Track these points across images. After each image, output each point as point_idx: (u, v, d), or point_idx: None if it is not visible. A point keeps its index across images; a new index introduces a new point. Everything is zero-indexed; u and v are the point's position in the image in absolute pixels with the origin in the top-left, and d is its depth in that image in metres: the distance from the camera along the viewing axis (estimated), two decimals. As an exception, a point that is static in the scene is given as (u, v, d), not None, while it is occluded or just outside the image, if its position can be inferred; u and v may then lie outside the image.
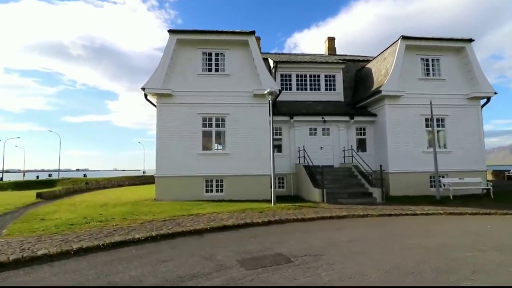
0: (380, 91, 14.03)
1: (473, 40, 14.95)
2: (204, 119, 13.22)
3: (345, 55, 21.38)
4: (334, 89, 17.30)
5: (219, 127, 13.30)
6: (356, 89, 17.75)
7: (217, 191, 13.02)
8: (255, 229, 7.35)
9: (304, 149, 13.93)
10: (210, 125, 13.26)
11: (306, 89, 17.02)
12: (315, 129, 15.30)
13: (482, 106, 15.31)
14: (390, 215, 8.94)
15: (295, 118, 14.66)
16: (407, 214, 9.06)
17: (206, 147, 13.23)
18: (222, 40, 13.36)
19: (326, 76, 17.26)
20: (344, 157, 15.11)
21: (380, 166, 12.24)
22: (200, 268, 4.65)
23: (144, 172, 60.37)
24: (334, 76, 17.38)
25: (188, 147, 12.90)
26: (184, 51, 13.33)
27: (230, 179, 12.98)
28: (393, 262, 4.95)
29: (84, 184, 21.31)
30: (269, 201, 11.85)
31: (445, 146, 14.84)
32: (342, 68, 17.42)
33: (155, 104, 13.18)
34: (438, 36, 15.04)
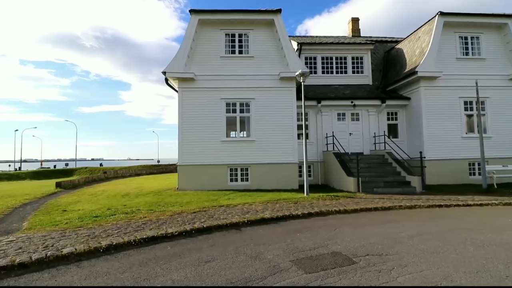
0: (416, 72, 12.88)
1: (517, 15, 13.50)
2: (227, 105, 12.45)
3: (371, 37, 20.01)
4: (362, 72, 16.19)
5: (243, 112, 12.52)
6: (385, 72, 16.55)
7: (242, 180, 12.36)
8: (296, 222, 6.64)
9: (333, 136, 13.05)
10: (234, 111, 12.49)
11: (332, 72, 15.97)
12: (344, 114, 14.33)
13: (528, 87, 13.95)
14: (440, 206, 8.06)
15: (323, 102, 13.72)
16: (458, 205, 8.16)
17: (230, 134, 12.52)
18: (245, 20, 12.41)
19: (353, 58, 16.13)
20: (375, 143, 14.15)
21: (420, 153, 11.27)
22: (251, 271, 3.96)
23: (158, 161, 60.58)
24: (361, 58, 16.24)
25: (211, 134, 12.22)
26: (206, 32, 12.48)
27: (255, 167, 12.28)
28: (476, 263, 4.16)
29: (102, 173, 21.11)
30: (298, 190, 11.18)
31: (485, 131, 13.63)
32: (370, 49, 16.22)
33: (176, 89, 12.48)
34: (477, 12, 13.64)
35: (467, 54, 13.67)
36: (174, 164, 35.23)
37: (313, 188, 12.29)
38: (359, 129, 14.34)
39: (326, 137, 13.89)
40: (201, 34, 12.45)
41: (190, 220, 6.42)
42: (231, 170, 12.35)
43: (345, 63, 16.12)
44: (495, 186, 11.63)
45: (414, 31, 15.09)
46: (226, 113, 12.42)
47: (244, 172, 12.40)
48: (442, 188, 11.53)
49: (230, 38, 12.63)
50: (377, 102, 14.12)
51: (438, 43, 13.05)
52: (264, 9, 12.33)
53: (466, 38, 13.70)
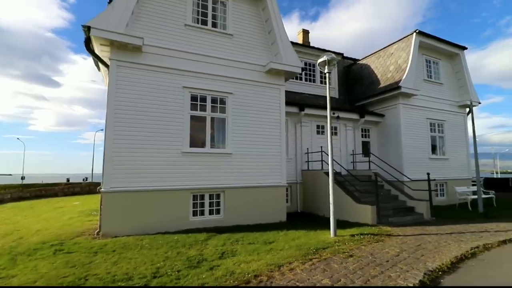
0: (399, 87, 11.95)
1: (466, 48, 14.64)
2: (194, 98, 8.26)
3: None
4: (330, 83, 14.60)
5: (216, 112, 8.55)
6: (349, 87, 15.53)
7: (211, 212, 8.19)
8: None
9: (322, 151, 10.55)
10: (204, 108, 8.39)
11: (301, 78, 13.78)
12: (323, 127, 12.11)
13: (467, 114, 15.15)
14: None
15: (306, 110, 11.14)
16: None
17: (197, 142, 8.25)
18: (223, -18, 8.80)
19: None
20: (353, 162, 12.41)
21: (428, 174, 9.86)
22: None
23: (23, 177, 45.32)
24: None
25: (166, 141, 7.72)
26: (164, -17, 8.17)
27: (231, 193, 8.38)
28: None
29: None
30: (288, 225, 8.11)
31: (444, 153, 13.86)
32: (338, 60, 14.92)
33: (107, 61, 7.51)
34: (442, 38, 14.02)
35: (430, 77, 13.80)
36: (60, 184, 25.89)
37: (296, 218, 9.39)
38: (337, 145, 12.36)
39: (307, 153, 11.29)
40: (158, -15, 8.09)
41: None
42: (195, 197, 8.04)
43: (314, 71, 14.28)
44: (470, 208, 11.35)
45: (384, 48, 14.61)
46: (192, 110, 8.20)
47: (215, 200, 8.30)
48: (438, 213, 10.32)
49: (201, 2, 8.70)
50: (356, 116, 12.57)
51: (416, 61, 12.63)
52: (251, -26, 9.07)
53: (429, 61, 13.88)
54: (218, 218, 8.13)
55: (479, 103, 15.04)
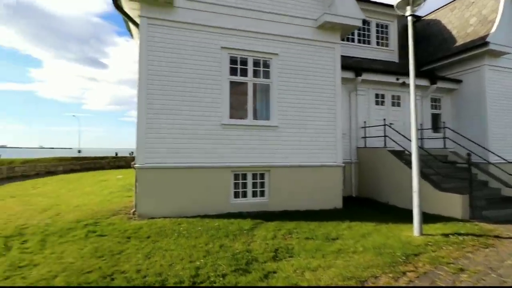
0: (486, 43, 9.44)
1: None
2: (233, 61, 7.00)
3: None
4: (387, 45, 12.33)
5: (259, 77, 7.24)
6: (416, 47, 13.01)
7: (254, 194, 7.14)
8: None
9: (385, 125, 8.81)
10: (244, 73, 7.11)
11: (353, 40, 11.71)
12: (383, 96, 10.21)
13: None
14: None
15: (364, 76, 9.32)
16: None
17: (238, 113, 7.10)
18: None
19: (377, 26, 12.14)
20: (420, 138, 10.44)
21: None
22: None
23: (79, 151, 49.03)
24: (387, 27, 12.37)
25: (203, 111, 6.66)
26: None
27: (277, 172, 7.20)
28: None
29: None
30: (344, 212, 6.68)
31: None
32: (398, 16, 12.46)
33: (136, 20, 6.49)
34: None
35: (526, 30, 10.85)
36: (107, 158, 27.06)
37: (353, 204, 7.96)
38: (400, 118, 10.41)
39: (364, 127, 9.59)
40: None
41: None
42: (236, 177, 7.01)
43: (369, 30, 12.04)
44: None
45: (458, -3, 11.82)
46: (231, 75, 6.98)
47: (259, 180, 7.20)
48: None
49: None
50: (425, 83, 10.39)
51: (509, 9, 9.86)
52: None
53: (526, 9, 10.85)
54: (262, 202, 7.06)
55: None
